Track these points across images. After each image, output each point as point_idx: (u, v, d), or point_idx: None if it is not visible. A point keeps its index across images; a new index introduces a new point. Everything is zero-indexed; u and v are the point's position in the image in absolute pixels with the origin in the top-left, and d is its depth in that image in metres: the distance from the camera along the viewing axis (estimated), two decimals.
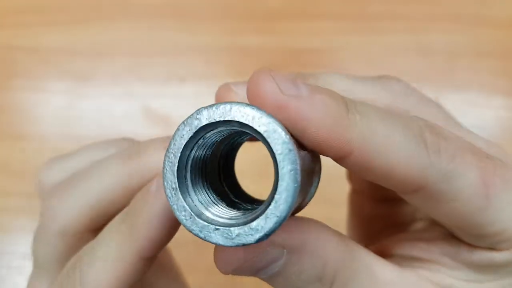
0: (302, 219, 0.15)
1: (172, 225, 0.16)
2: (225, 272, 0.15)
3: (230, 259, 0.15)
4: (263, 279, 0.16)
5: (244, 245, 0.13)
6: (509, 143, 0.47)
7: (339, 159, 0.14)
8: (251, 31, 0.51)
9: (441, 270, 0.17)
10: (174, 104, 0.47)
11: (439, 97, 0.48)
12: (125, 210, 0.17)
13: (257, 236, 0.13)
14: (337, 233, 0.16)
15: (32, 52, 0.51)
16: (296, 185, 0.12)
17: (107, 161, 0.19)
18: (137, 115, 0.47)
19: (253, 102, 0.13)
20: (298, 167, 0.12)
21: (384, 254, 0.18)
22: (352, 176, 0.24)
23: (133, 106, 0.48)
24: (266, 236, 0.13)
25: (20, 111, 0.49)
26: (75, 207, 0.18)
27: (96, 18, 0.52)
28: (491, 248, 0.16)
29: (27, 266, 0.43)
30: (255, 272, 0.15)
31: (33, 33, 0.52)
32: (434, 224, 0.19)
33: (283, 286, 0.16)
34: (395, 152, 0.13)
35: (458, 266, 0.16)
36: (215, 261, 0.15)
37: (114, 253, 0.16)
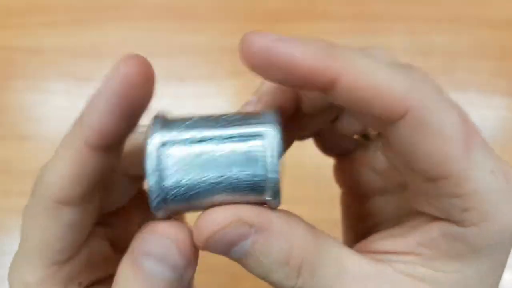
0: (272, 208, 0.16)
1: (117, 114, 0.15)
2: (201, 245, 0.16)
3: (202, 229, 0.15)
4: (236, 261, 0.16)
5: None
6: (509, 143, 0.47)
7: (328, 88, 0.14)
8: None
9: (417, 261, 0.16)
10: (174, 104, 0.47)
11: None
12: None
13: None
14: (308, 224, 0.17)
15: (32, 52, 0.51)
16: None
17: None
18: None
19: (243, 54, 0.15)
20: None
21: (362, 250, 0.18)
22: (339, 176, 0.24)
23: None
24: None
25: (21, 112, 0.49)
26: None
27: (97, 19, 0.52)
28: (461, 223, 0.15)
29: None
30: (226, 247, 0.16)
31: (33, 33, 0.52)
32: (415, 214, 0.18)
33: (255, 269, 0.16)
34: (380, 73, 0.14)
35: (434, 255, 0.16)
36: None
37: (64, 145, 0.16)
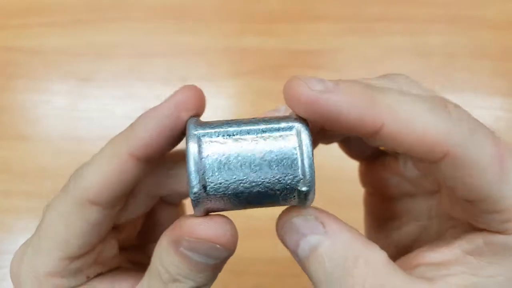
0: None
1: (164, 132, 0.17)
2: (279, 234, 0.17)
3: (281, 218, 0.17)
4: (301, 262, 0.17)
5: None
6: (509, 144, 0.47)
7: (372, 135, 0.15)
8: (251, 32, 0.51)
9: (465, 271, 0.17)
10: None
11: None
12: None
13: None
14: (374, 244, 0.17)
15: (33, 53, 0.51)
16: None
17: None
18: (138, 115, 0.48)
19: (290, 102, 0.16)
20: None
21: (409, 265, 0.18)
22: (365, 178, 0.25)
23: (134, 107, 0.48)
24: None
25: (22, 112, 0.49)
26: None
27: (98, 20, 0.52)
28: (503, 232, 0.16)
29: None
30: (297, 237, 0.17)
31: (34, 34, 0.52)
32: (450, 222, 0.19)
33: (317, 273, 0.16)
34: (421, 118, 0.15)
35: (479, 263, 0.17)
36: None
37: (109, 151, 0.17)
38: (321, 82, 0.15)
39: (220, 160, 0.16)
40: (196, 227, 0.16)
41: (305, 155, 0.16)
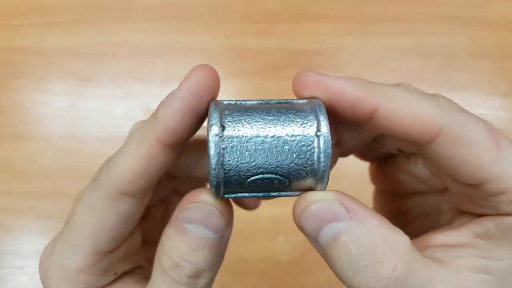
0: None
1: (188, 114, 0.17)
2: (298, 217, 0.17)
3: (301, 202, 0.17)
4: (323, 250, 0.16)
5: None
6: None
7: (369, 117, 0.17)
8: (251, 32, 0.51)
9: (475, 253, 0.17)
10: None
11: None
12: None
13: None
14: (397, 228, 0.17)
15: (33, 53, 0.51)
16: None
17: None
18: (138, 115, 0.48)
19: (299, 87, 0.17)
20: None
21: (420, 246, 0.18)
22: (376, 177, 0.25)
23: (134, 107, 0.49)
24: None
25: (22, 112, 0.49)
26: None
27: (98, 20, 0.52)
28: (504, 214, 0.17)
29: (29, 266, 0.43)
30: (319, 223, 0.16)
31: (34, 34, 0.52)
32: (460, 212, 0.20)
33: (341, 261, 0.16)
34: (413, 102, 0.17)
35: (489, 245, 0.17)
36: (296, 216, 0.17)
37: (136, 139, 0.17)
38: (325, 73, 0.17)
39: (240, 143, 0.16)
40: (196, 193, 0.17)
41: (321, 141, 0.16)
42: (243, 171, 0.16)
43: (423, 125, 0.16)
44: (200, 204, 0.17)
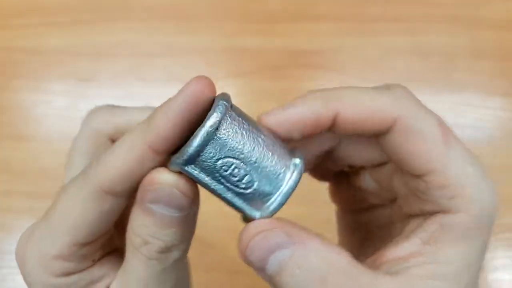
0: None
1: (183, 124, 0.17)
2: (243, 249, 0.17)
3: (246, 234, 0.17)
4: (271, 279, 0.17)
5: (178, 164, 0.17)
6: (507, 143, 0.47)
7: (333, 124, 0.18)
8: (251, 32, 0.51)
9: (425, 260, 0.18)
10: None
11: (437, 98, 0.49)
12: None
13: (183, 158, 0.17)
14: (342, 248, 0.18)
15: (33, 53, 0.51)
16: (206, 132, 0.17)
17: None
18: None
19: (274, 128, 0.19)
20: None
21: (375, 264, 0.19)
22: (334, 197, 0.26)
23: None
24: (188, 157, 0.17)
25: (22, 112, 0.49)
26: (110, 118, 0.20)
27: (98, 20, 0.52)
28: (451, 211, 0.18)
29: None
30: (265, 253, 0.17)
31: (34, 34, 0.52)
32: (408, 218, 0.20)
33: (288, 284, 0.17)
34: (368, 97, 0.18)
35: (436, 249, 0.18)
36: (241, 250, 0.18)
37: (128, 142, 0.18)
38: (277, 107, 0.19)
39: (238, 127, 0.17)
40: (155, 174, 0.17)
41: (288, 183, 0.18)
42: (215, 161, 0.17)
43: (379, 117, 0.17)
44: (160, 186, 0.17)
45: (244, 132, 0.17)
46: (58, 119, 0.48)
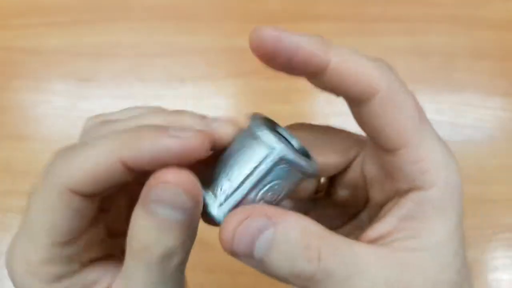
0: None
1: (166, 162, 0.17)
2: (228, 241, 0.17)
3: (228, 226, 0.18)
4: (259, 264, 0.18)
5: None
6: (507, 144, 0.47)
7: (321, 71, 0.18)
8: None
9: (405, 235, 0.19)
10: (175, 105, 0.47)
11: (437, 98, 0.49)
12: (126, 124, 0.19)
13: None
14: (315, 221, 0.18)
15: (34, 53, 0.51)
16: None
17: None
18: None
19: (253, 44, 0.18)
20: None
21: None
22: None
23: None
24: None
25: (22, 112, 0.49)
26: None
27: (98, 20, 0.52)
28: (423, 187, 0.18)
29: None
30: (251, 239, 0.17)
31: (35, 34, 0.52)
32: (383, 206, 0.21)
33: (279, 261, 0.17)
34: (361, 63, 0.18)
35: (413, 225, 0.19)
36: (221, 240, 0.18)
37: (103, 148, 0.17)
38: (280, 28, 0.18)
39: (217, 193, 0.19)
40: (161, 173, 0.18)
41: (263, 137, 0.19)
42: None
43: (365, 83, 0.18)
44: (167, 185, 0.17)
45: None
46: (58, 119, 0.48)
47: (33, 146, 0.48)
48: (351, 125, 0.21)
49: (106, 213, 0.21)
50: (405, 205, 0.19)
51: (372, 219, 0.23)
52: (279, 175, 0.19)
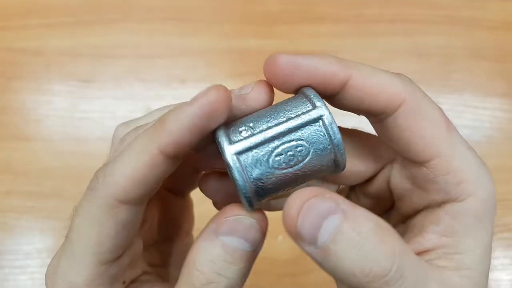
0: None
1: (196, 131, 0.16)
2: (293, 219, 0.16)
3: (294, 203, 0.16)
4: (323, 252, 0.16)
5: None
6: (505, 144, 0.48)
7: (341, 88, 0.18)
8: (251, 34, 0.52)
9: (446, 252, 0.18)
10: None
11: (436, 98, 0.49)
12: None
13: None
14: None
15: (34, 54, 0.51)
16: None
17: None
18: (138, 116, 0.48)
19: (270, 72, 0.18)
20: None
21: None
22: None
23: (135, 107, 0.49)
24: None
25: (23, 113, 0.49)
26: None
27: (98, 21, 0.53)
28: (459, 198, 0.18)
29: (30, 266, 0.44)
30: (317, 220, 0.15)
31: (35, 35, 0.52)
32: (409, 217, 0.20)
33: (346, 252, 0.15)
34: (381, 76, 0.18)
35: (455, 240, 0.18)
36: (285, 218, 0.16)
37: (137, 146, 0.17)
38: (298, 54, 0.18)
39: (258, 161, 0.17)
40: (232, 207, 0.18)
41: (314, 99, 0.17)
42: (266, 183, 0.17)
43: (389, 95, 0.17)
44: (240, 217, 0.17)
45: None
46: (59, 120, 0.48)
47: (33, 147, 0.48)
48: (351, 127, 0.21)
49: (143, 225, 0.21)
50: (443, 221, 0.18)
51: (394, 227, 0.22)
52: (309, 136, 0.17)
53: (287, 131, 0.17)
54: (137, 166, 0.17)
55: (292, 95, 0.19)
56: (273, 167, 0.17)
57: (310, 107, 0.17)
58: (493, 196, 0.18)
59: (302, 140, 0.17)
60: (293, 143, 0.17)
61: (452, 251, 0.18)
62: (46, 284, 0.19)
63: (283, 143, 0.17)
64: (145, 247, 0.22)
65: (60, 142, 0.48)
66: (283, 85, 0.18)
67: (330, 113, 0.17)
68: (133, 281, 0.20)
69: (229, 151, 0.17)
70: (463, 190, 0.17)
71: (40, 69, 0.51)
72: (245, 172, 0.17)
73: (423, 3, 0.53)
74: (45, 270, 0.19)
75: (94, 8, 0.53)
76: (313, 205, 0.16)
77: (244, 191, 0.17)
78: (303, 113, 0.17)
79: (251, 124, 0.17)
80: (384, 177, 0.21)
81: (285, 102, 0.18)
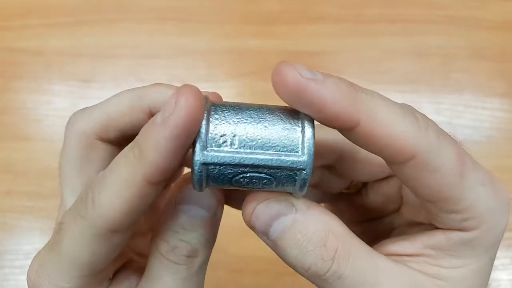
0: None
1: (178, 152, 0.16)
2: (248, 215, 0.18)
3: (250, 202, 0.18)
4: (273, 243, 0.18)
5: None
6: (505, 144, 0.48)
7: (349, 130, 0.16)
8: (251, 34, 0.52)
9: (427, 261, 0.18)
10: None
11: (436, 98, 0.49)
12: (133, 141, 0.17)
13: None
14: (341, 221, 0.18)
15: (34, 54, 0.51)
16: None
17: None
18: None
19: (278, 86, 0.16)
20: None
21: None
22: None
23: None
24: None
25: (23, 112, 0.49)
26: (90, 117, 0.22)
27: (99, 21, 0.53)
28: (462, 229, 0.18)
29: None
30: (269, 219, 0.17)
31: (36, 35, 0.52)
32: (412, 225, 0.21)
33: (291, 249, 0.17)
34: (394, 123, 0.16)
35: (439, 255, 0.18)
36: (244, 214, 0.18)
37: (123, 178, 0.16)
38: (311, 72, 0.16)
39: (224, 139, 0.16)
40: (182, 180, 0.18)
41: (306, 148, 0.16)
42: (225, 165, 0.16)
43: (399, 148, 0.16)
44: (192, 188, 0.18)
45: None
46: (59, 120, 0.49)
47: (33, 147, 0.48)
48: None
49: None
50: (436, 237, 0.18)
51: (395, 228, 0.22)
52: (281, 178, 0.17)
53: (264, 166, 0.16)
54: (126, 198, 0.16)
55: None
56: (233, 182, 0.17)
57: (299, 152, 0.16)
58: (498, 229, 0.18)
59: (272, 177, 0.17)
60: (263, 175, 0.17)
61: (434, 263, 0.18)
62: (30, 280, 0.19)
63: (254, 172, 0.17)
64: (131, 237, 0.22)
65: (60, 142, 0.47)
66: (288, 102, 0.16)
67: (311, 169, 0.16)
68: (118, 270, 0.21)
69: (199, 158, 0.16)
70: (468, 226, 0.17)
71: (40, 69, 0.51)
72: (205, 180, 0.17)
73: (423, 3, 0.53)
74: None
75: (94, 8, 0.53)
76: (266, 206, 0.18)
77: (198, 190, 0.17)
78: (289, 155, 0.16)
79: (233, 133, 0.16)
80: (397, 181, 0.21)
81: (281, 119, 0.17)
